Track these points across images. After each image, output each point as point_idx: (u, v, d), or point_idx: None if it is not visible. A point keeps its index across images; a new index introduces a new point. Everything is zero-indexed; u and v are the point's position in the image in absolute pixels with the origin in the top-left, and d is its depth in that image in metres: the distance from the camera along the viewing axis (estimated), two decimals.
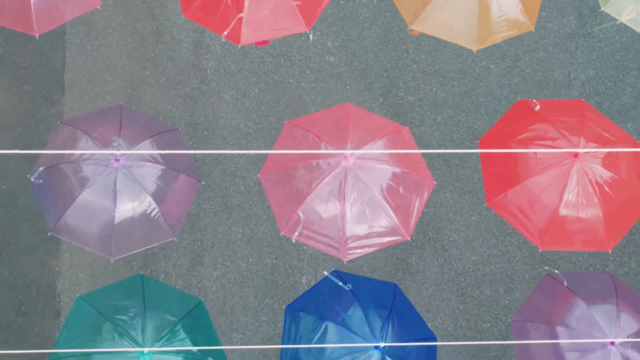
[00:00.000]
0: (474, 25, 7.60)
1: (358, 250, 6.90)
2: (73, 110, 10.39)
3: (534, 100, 7.17)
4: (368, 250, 6.98)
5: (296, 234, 6.88)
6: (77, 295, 7.31)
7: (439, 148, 10.32)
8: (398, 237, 7.02)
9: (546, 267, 8.33)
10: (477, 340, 10.16)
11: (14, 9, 7.16)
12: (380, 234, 6.87)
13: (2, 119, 10.17)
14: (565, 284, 7.07)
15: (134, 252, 7.27)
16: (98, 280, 10.23)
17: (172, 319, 6.57)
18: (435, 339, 7.05)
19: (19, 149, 10.23)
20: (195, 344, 6.51)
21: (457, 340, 10.20)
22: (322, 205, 6.68)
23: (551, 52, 10.53)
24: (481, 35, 7.72)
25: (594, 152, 6.82)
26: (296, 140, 6.76)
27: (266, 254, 10.40)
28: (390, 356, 6.64)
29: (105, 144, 6.71)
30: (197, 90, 10.58)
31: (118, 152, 6.52)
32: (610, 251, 9.11)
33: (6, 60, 10.46)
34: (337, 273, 7.06)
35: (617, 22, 8.16)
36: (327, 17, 10.57)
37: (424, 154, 9.91)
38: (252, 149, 10.38)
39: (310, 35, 10.66)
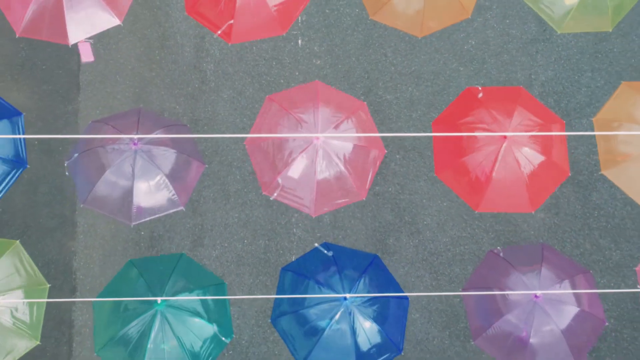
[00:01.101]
0: (420, 16, 8.64)
1: (325, 208, 8.05)
2: (87, 108, 11.36)
3: (479, 88, 8.24)
4: (332, 208, 8.15)
5: (275, 194, 8.00)
6: (129, 259, 8.45)
7: (414, 141, 11.32)
8: (355, 198, 8.19)
9: (498, 247, 9.35)
10: (448, 313, 11.17)
11: (51, 25, 8.18)
12: (341, 196, 8.04)
13: (25, 115, 11.10)
14: (502, 255, 8.16)
15: (149, 218, 8.36)
16: (109, 260, 11.19)
17: (191, 286, 7.64)
18: (407, 299, 8.11)
19: (39, 142, 11.23)
20: (206, 311, 7.56)
21: (430, 313, 11.21)
22: (297, 174, 7.84)
23: (514, 56, 11.47)
24: (425, 25, 8.76)
25: (525, 157, 8.00)
26: (276, 117, 7.93)
27: (260, 236, 11.34)
28: (357, 307, 7.74)
29: (127, 133, 7.85)
30: (198, 89, 11.44)
31: (135, 136, 7.66)
32: (564, 236, 10.17)
33: (27, 63, 11.39)
34: (325, 244, 8.17)
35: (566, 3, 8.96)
36: (314, 25, 11.50)
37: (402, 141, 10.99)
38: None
39: (299, 41, 11.45)
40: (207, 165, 8.68)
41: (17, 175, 8.03)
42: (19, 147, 8.04)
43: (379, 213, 11.14)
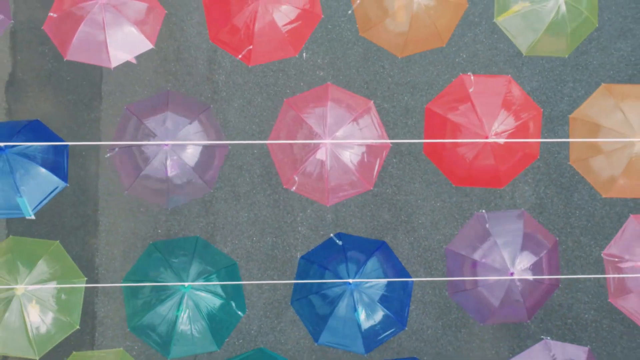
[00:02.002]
0: (403, 39, 9.55)
1: (335, 199, 9.04)
2: (109, 116, 12.17)
3: (472, 78, 9.16)
4: (342, 198, 9.14)
5: (294, 188, 8.96)
6: (150, 243, 9.36)
7: (410, 146, 12.16)
8: (363, 189, 9.17)
9: (482, 210, 10.21)
10: (441, 305, 12.01)
11: (95, 49, 9.11)
12: (350, 187, 9.02)
13: (51, 122, 11.66)
14: (487, 225, 9.05)
15: (182, 203, 9.37)
16: (129, 255, 11.99)
17: (210, 268, 8.56)
18: (411, 284, 9.00)
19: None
20: (223, 290, 8.49)
21: (424, 305, 12.06)
22: (311, 171, 8.81)
23: (502, 68, 12.18)
24: (406, 47, 9.67)
25: (501, 130, 8.89)
26: (293, 121, 8.93)
27: (267, 234, 12.09)
28: (361, 290, 8.63)
29: (159, 129, 8.83)
30: (211, 99, 12.12)
31: (167, 142, 8.71)
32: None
33: (54, 74, 12.09)
34: (338, 235, 9.08)
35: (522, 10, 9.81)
36: (317, 39, 12.30)
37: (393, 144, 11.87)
38: (256, 147, 12.16)
39: (304, 54, 12.18)
40: (229, 147, 9.61)
41: (56, 191, 8.93)
42: (63, 168, 8.95)
43: (378, 212, 12.02)
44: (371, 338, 8.83)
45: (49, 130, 9.19)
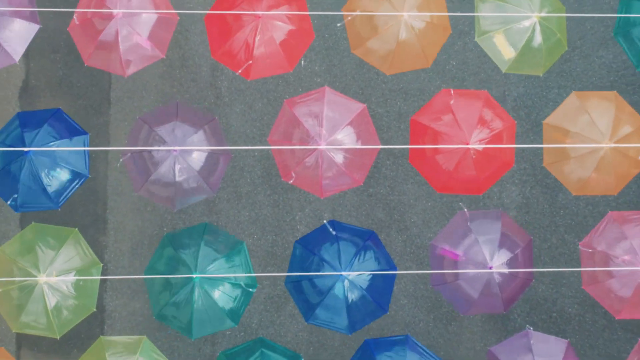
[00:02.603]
0: (390, 57, 10.23)
1: (328, 192, 9.74)
2: (117, 120, 12.83)
3: (452, 93, 9.84)
4: (334, 192, 9.85)
5: (291, 181, 9.66)
6: (165, 233, 10.02)
7: (403, 149, 12.82)
8: (353, 185, 9.87)
9: (461, 203, 10.89)
10: (432, 299, 12.65)
11: (113, 59, 9.80)
12: (342, 184, 9.73)
13: None
14: (469, 223, 9.71)
15: (190, 203, 10.04)
16: (137, 252, 12.59)
17: (218, 254, 9.25)
18: (395, 268, 9.70)
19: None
20: (233, 272, 9.17)
21: (416, 299, 12.69)
22: (308, 166, 9.51)
23: (490, 75, 12.67)
24: (392, 66, 10.36)
25: (479, 138, 9.55)
26: (290, 121, 9.64)
27: (267, 232, 12.69)
28: (351, 280, 9.31)
29: (168, 137, 9.50)
30: (214, 104, 12.73)
31: (175, 148, 9.36)
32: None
33: (65, 80, 12.74)
34: (332, 222, 9.79)
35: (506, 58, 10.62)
36: (315, 47, 12.91)
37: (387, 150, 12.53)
38: (257, 150, 12.79)
39: (302, 62, 12.74)
40: (232, 155, 10.30)
41: (80, 183, 9.60)
42: (84, 160, 9.61)
43: (372, 212, 12.66)
44: (356, 321, 9.52)
45: (70, 120, 9.81)
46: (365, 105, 10.17)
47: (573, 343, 12.24)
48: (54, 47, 12.59)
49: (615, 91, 10.25)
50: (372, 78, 12.73)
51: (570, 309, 12.40)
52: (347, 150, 9.60)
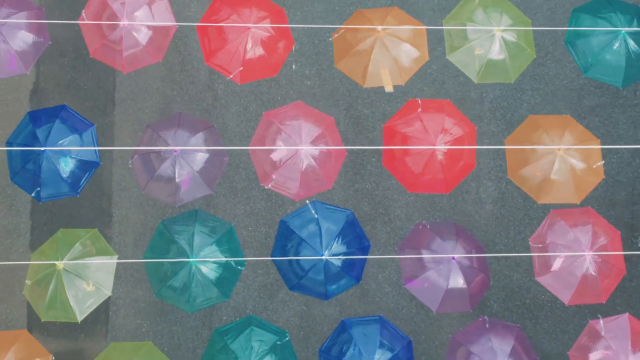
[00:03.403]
0: (365, 74, 11.14)
1: (303, 193, 10.67)
2: (121, 120, 13.71)
3: (419, 104, 10.76)
4: (309, 194, 10.77)
5: (270, 185, 10.58)
6: (160, 221, 10.88)
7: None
8: (325, 187, 10.79)
9: (424, 222, 11.85)
10: (413, 299, 13.47)
11: (117, 56, 10.70)
12: (316, 187, 10.67)
13: None
14: (429, 227, 10.66)
15: (189, 200, 10.94)
16: (140, 244, 13.43)
17: (210, 238, 10.17)
18: (368, 243, 10.69)
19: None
20: (223, 254, 10.11)
21: (399, 287, 13.55)
22: (287, 172, 10.45)
23: (468, 78, 13.24)
24: (366, 80, 11.23)
25: (444, 141, 10.45)
26: (272, 130, 10.58)
27: (261, 225, 13.43)
28: (330, 261, 10.29)
29: (170, 139, 10.41)
30: (211, 105, 13.52)
31: (177, 148, 10.30)
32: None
33: (72, 83, 13.51)
34: (314, 203, 10.75)
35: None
36: (305, 52, 13.78)
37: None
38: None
39: (293, 66, 13.55)
40: (227, 158, 11.23)
41: (93, 171, 10.50)
42: (95, 150, 10.53)
43: (359, 205, 13.54)
44: (333, 290, 10.49)
45: (76, 114, 10.73)
46: (332, 118, 11.13)
47: (545, 328, 13.13)
48: (62, 52, 13.47)
49: (568, 114, 11.22)
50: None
51: (542, 296, 13.29)
52: (320, 155, 10.58)
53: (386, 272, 13.27)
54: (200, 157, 10.57)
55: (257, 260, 13.19)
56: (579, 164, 10.55)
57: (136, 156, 10.54)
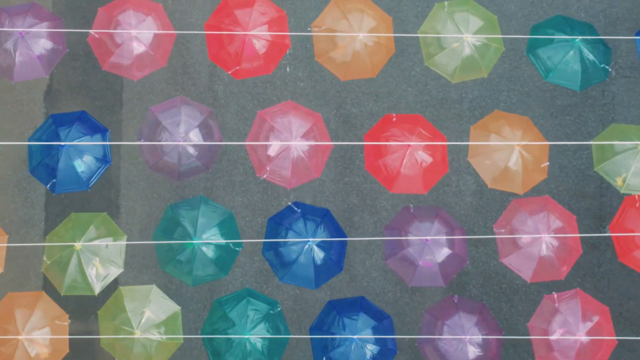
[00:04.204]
0: (345, 67, 12.01)
1: (296, 184, 11.68)
2: (128, 119, 14.75)
3: (394, 116, 11.90)
4: (300, 183, 11.77)
5: (265, 175, 11.67)
6: (168, 204, 11.91)
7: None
8: (313, 176, 11.83)
9: (410, 205, 12.89)
10: (396, 274, 14.54)
11: (122, 65, 11.82)
12: (306, 177, 11.75)
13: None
14: (412, 211, 11.73)
15: (187, 178, 11.94)
16: (145, 232, 14.27)
17: (212, 222, 11.26)
18: (345, 236, 11.74)
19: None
20: (223, 236, 11.21)
21: (385, 273, 14.60)
22: (280, 163, 11.54)
23: (448, 79, 14.85)
24: (347, 74, 12.14)
25: (418, 144, 11.59)
26: (263, 127, 11.68)
27: (258, 215, 14.37)
28: (316, 245, 11.32)
29: (174, 130, 11.57)
30: (211, 105, 14.48)
31: (180, 143, 11.43)
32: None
33: (83, 85, 14.43)
34: (295, 203, 11.79)
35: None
36: (299, 56, 14.81)
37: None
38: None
39: (287, 68, 14.55)
40: (222, 145, 12.30)
41: (104, 169, 11.61)
42: (107, 151, 11.64)
43: (347, 197, 14.59)
44: (320, 278, 11.53)
45: (93, 119, 11.80)
46: (320, 114, 12.21)
47: (520, 310, 14.17)
48: (73, 56, 14.52)
49: (528, 117, 12.34)
50: (347, 82, 14.62)
51: (517, 281, 14.33)
52: (309, 148, 11.69)
53: (373, 258, 14.30)
54: (202, 145, 11.70)
55: (253, 249, 14.24)
56: (529, 161, 11.64)
57: (143, 139, 11.62)
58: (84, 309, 13.85)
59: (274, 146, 11.47)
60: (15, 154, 14.27)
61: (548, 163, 11.81)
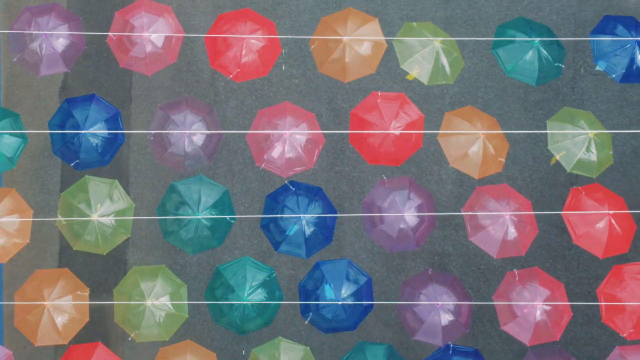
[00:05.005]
0: (345, 71, 13.13)
1: (291, 173, 12.79)
2: (137, 113, 15.93)
3: (379, 94, 13.12)
4: (295, 172, 12.90)
5: (263, 165, 12.93)
6: (171, 182, 12.92)
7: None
8: (307, 166, 12.87)
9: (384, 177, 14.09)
10: (386, 254, 15.79)
11: (137, 62, 13.11)
12: (299, 164, 12.91)
13: None
14: (387, 185, 13.03)
15: (192, 168, 13.21)
16: (152, 214, 15.82)
17: (211, 198, 12.52)
18: (335, 212, 13.01)
19: None
20: (219, 212, 12.49)
21: (373, 255, 15.85)
22: (275, 154, 12.72)
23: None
24: (348, 75, 13.32)
25: (397, 126, 12.79)
26: (262, 122, 12.95)
27: (255, 202, 15.50)
28: (307, 220, 12.57)
29: (179, 120, 12.85)
30: (213, 100, 15.64)
31: (186, 132, 12.74)
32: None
33: (95, 81, 15.50)
34: (291, 182, 13.08)
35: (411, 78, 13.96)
36: (293, 55, 15.98)
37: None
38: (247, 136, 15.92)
39: (283, 67, 15.66)
40: (224, 136, 13.48)
41: (119, 146, 12.88)
42: (121, 129, 12.93)
43: (338, 185, 15.78)
44: (310, 247, 12.79)
45: (104, 101, 13.07)
46: (313, 114, 13.42)
47: (496, 288, 15.39)
48: (86, 55, 15.65)
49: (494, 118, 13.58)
50: (338, 80, 15.87)
51: (494, 263, 15.51)
52: (303, 142, 12.96)
53: (362, 241, 15.37)
54: (202, 137, 12.96)
55: (251, 231, 15.48)
56: (489, 152, 12.95)
57: (152, 136, 12.92)
58: (100, 288, 15.09)
59: (272, 139, 12.74)
60: (33, 144, 15.47)
61: (504, 160, 13.08)
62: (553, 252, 15.42)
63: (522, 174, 15.58)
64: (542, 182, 15.61)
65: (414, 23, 13.44)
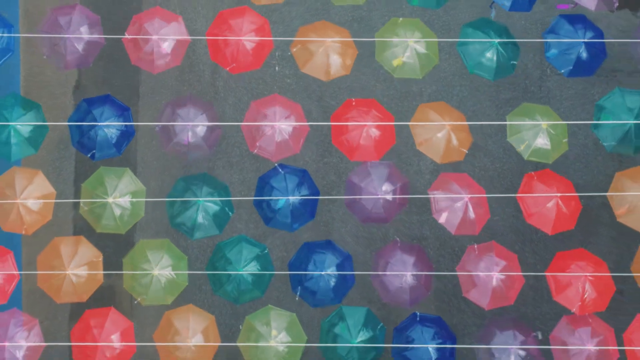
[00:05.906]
0: (325, 70, 14.64)
1: (280, 156, 14.17)
2: (144, 110, 17.51)
3: (353, 101, 14.64)
4: (284, 156, 14.39)
5: (255, 150, 14.47)
6: (180, 177, 14.46)
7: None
8: (293, 152, 14.16)
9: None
10: (369, 238, 17.29)
11: (147, 60, 14.69)
12: (286, 150, 14.39)
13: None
14: (369, 168, 14.59)
15: (194, 158, 14.70)
16: (159, 206, 17.33)
17: (211, 189, 14.06)
18: (318, 193, 14.61)
19: None
20: (220, 201, 14.07)
21: (357, 238, 17.34)
22: (266, 140, 14.25)
23: (411, 78, 17.53)
24: (327, 75, 14.67)
25: (371, 124, 14.37)
26: (254, 112, 14.51)
27: (252, 190, 16.91)
28: (293, 201, 14.18)
29: (184, 115, 14.42)
30: (213, 98, 17.24)
31: (189, 124, 14.33)
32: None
33: (106, 81, 17.17)
34: (281, 165, 14.65)
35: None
36: (286, 57, 17.45)
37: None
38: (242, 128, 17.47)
39: (276, 67, 17.63)
40: (223, 130, 15.08)
41: (131, 138, 14.45)
42: (131, 126, 14.53)
43: (327, 175, 17.29)
44: (295, 224, 14.37)
45: (117, 100, 14.67)
46: (299, 105, 14.93)
47: None
48: (99, 57, 17.16)
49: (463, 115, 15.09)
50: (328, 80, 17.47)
51: (467, 244, 17.06)
52: (290, 131, 14.47)
53: (348, 226, 16.90)
54: (203, 129, 14.55)
55: (249, 217, 17.01)
56: (453, 142, 14.51)
57: (159, 127, 14.50)
58: (112, 257, 16.64)
59: (263, 127, 14.33)
60: (49, 139, 16.96)
61: (466, 150, 14.63)
62: (513, 230, 16.98)
63: (494, 164, 17.11)
64: (511, 172, 17.13)
65: (400, 19, 15.00)
